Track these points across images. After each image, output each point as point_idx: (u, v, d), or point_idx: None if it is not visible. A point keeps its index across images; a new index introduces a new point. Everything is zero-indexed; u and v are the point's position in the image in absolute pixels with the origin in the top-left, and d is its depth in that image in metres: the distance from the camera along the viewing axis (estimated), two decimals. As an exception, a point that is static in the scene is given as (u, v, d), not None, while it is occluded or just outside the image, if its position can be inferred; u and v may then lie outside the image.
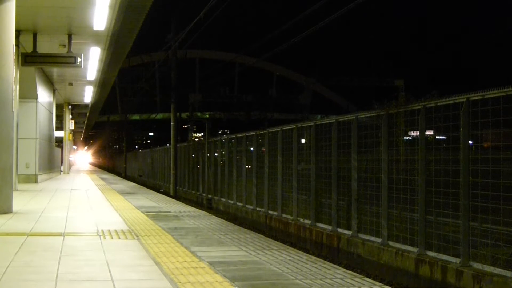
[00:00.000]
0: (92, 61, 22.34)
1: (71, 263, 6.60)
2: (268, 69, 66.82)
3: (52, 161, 33.18)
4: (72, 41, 18.26)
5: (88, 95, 34.42)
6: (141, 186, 28.46)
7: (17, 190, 18.24)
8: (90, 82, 28.98)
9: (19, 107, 18.69)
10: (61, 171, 40.04)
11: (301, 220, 13.51)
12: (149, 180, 41.01)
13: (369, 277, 8.00)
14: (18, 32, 16.74)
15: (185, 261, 6.89)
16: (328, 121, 12.56)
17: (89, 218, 11.47)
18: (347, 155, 11.56)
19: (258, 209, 16.73)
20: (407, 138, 9.88)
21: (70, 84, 30.01)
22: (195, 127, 51.65)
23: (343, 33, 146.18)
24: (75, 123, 46.07)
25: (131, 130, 76.27)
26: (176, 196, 28.43)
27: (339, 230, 11.69)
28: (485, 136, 8.21)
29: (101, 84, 29.73)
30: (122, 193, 20.32)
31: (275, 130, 15.62)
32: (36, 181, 25.20)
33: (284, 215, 14.69)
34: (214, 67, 57.75)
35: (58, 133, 38.51)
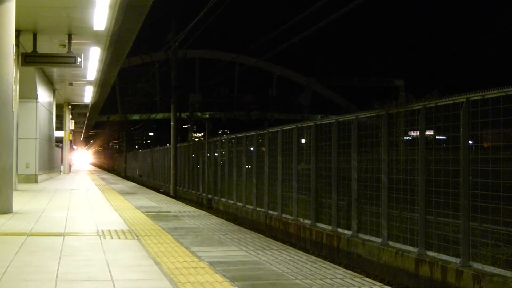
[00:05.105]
0: (92, 61, 22.34)
1: (71, 263, 6.60)
2: (268, 69, 66.75)
3: (52, 161, 33.18)
4: (72, 41, 18.27)
5: (88, 95, 34.42)
6: (141, 186, 28.45)
7: (17, 190, 18.25)
8: (90, 82, 28.98)
9: (19, 107, 18.69)
10: (60, 171, 40.03)
11: (301, 220, 13.50)
12: (149, 180, 41.02)
13: (369, 277, 8.00)
14: (18, 32, 16.74)
15: (185, 261, 6.89)
16: (328, 121, 12.56)
17: (89, 218, 11.47)
18: (347, 155, 11.56)
19: (258, 209, 16.73)
20: (407, 138, 9.88)
21: (70, 84, 30.01)
22: (195, 127, 51.59)
23: (343, 33, 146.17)
24: (75, 123, 46.07)
25: (131, 130, 76.20)
26: (176, 196, 28.42)
27: (339, 230, 11.69)
28: (485, 136, 8.21)
29: (101, 84, 29.73)
30: (122, 193, 20.32)
31: (275, 130, 15.61)
32: (36, 181, 25.20)
33: (284, 215, 14.69)
34: (214, 67, 57.74)
35: (58, 133, 38.49)
